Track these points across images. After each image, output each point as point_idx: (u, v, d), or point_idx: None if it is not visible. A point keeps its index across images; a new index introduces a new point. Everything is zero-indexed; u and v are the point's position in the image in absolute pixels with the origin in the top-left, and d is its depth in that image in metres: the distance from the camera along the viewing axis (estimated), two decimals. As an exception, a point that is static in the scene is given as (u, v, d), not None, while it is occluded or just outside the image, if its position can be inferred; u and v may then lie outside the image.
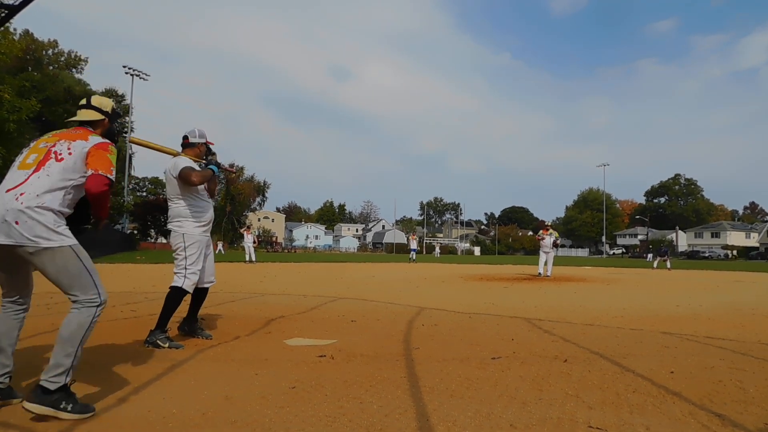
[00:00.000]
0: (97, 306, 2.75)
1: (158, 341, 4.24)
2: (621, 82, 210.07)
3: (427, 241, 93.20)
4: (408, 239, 40.05)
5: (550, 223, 17.37)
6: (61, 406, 2.53)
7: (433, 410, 2.73)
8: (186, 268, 4.44)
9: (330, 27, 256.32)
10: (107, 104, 3.24)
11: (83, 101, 3.24)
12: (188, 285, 4.45)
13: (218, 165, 4.69)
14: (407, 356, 4.11)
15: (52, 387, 2.55)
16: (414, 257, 33.57)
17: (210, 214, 4.70)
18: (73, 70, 49.78)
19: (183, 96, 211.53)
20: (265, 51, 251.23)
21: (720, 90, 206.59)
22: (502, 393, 3.09)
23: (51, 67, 46.57)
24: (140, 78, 48.11)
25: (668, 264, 28.10)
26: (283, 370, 3.59)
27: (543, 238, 16.01)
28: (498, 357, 4.11)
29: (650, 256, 41.70)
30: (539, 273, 15.95)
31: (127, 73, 47.44)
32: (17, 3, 8.90)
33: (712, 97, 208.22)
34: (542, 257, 16.05)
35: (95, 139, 2.94)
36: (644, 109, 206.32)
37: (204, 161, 4.66)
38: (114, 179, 2.88)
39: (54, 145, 2.85)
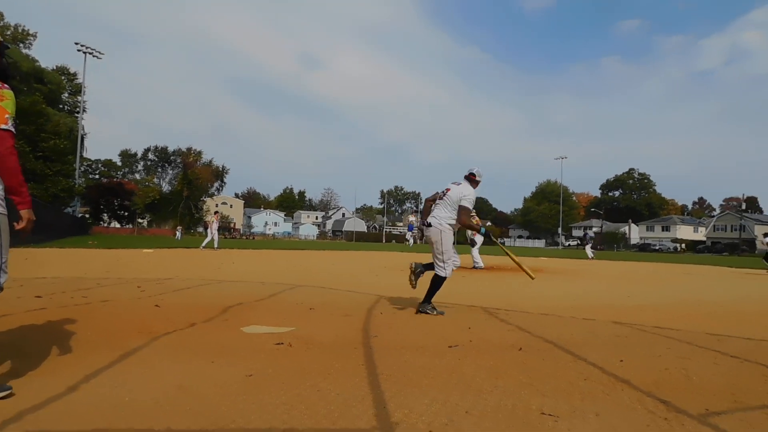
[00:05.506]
0: None
1: (427, 311, 5.76)
2: (584, 79, 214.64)
3: (387, 230, 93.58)
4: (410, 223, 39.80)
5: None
6: None
7: (391, 398, 2.75)
8: (444, 261, 5.80)
9: (300, 14, 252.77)
10: None
11: None
12: (448, 272, 5.84)
13: (487, 233, 6.91)
14: (366, 344, 4.12)
15: None
16: (411, 242, 33.37)
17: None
18: (21, 44, 47.56)
19: (143, 77, 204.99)
20: (232, 35, 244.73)
21: (677, 90, 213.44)
22: (459, 381, 3.13)
23: (-4, 41, 44.37)
24: (93, 56, 46.38)
25: (589, 253, 27.21)
26: (240, 358, 3.55)
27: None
28: (455, 345, 4.16)
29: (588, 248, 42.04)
30: (479, 266, 15.13)
31: (79, 50, 45.62)
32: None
33: (670, 96, 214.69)
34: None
35: None
36: (604, 105, 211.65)
37: (481, 225, 7.61)
38: (14, 130, 2.42)
39: None
